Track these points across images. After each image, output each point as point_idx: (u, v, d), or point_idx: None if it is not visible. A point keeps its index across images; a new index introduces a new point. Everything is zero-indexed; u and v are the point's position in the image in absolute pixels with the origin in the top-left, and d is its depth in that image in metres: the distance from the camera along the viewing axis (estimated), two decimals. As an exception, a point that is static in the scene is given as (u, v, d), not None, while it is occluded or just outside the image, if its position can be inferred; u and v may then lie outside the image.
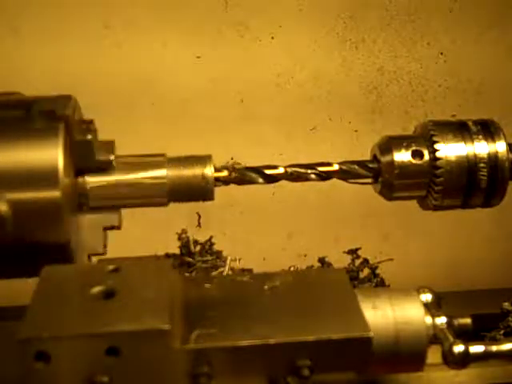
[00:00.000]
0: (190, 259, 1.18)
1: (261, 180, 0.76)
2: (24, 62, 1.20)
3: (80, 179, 0.71)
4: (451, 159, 0.76)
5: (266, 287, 0.65)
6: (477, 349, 0.62)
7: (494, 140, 0.77)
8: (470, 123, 0.79)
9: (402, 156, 0.76)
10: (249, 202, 1.30)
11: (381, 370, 0.65)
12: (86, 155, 0.69)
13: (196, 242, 1.21)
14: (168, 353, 0.55)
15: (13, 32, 1.19)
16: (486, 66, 1.35)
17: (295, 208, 1.34)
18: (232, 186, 0.76)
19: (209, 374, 0.57)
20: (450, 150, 0.76)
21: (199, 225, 1.24)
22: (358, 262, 1.28)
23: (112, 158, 0.71)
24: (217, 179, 0.74)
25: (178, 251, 1.20)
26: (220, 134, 1.28)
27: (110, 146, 0.72)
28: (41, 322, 0.55)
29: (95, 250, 0.73)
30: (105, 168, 0.71)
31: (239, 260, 1.17)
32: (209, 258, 1.18)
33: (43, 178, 0.64)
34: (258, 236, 1.34)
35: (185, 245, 1.20)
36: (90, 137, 0.69)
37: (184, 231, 1.21)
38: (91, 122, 0.71)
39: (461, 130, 0.78)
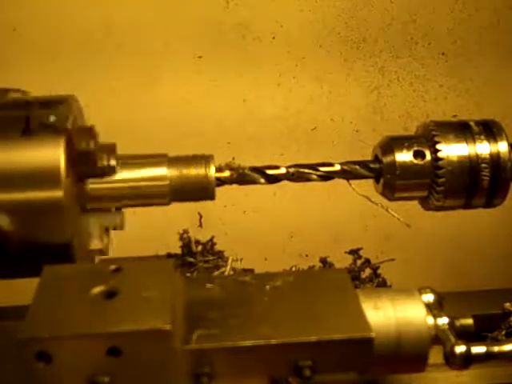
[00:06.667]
0: (192, 259, 1.18)
1: (262, 180, 0.76)
2: (24, 62, 1.19)
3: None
4: (453, 159, 0.76)
5: (267, 287, 0.65)
6: (478, 349, 0.62)
7: (495, 140, 0.77)
8: (471, 123, 0.79)
9: (404, 156, 0.76)
10: (250, 202, 1.30)
11: (382, 370, 0.65)
12: (88, 164, 0.69)
13: (197, 242, 1.21)
14: (169, 353, 0.55)
15: (13, 32, 1.19)
16: (487, 65, 1.35)
17: (296, 208, 1.34)
18: (233, 185, 0.76)
19: (210, 375, 0.57)
20: (452, 150, 0.76)
21: (200, 225, 1.24)
22: (359, 262, 1.28)
23: (114, 163, 0.71)
24: (218, 179, 0.74)
25: (179, 251, 1.20)
26: (221, 134, 1.28)
27: (111, 149, 0.72)
28: (42, 322, 0.55)
29: (98, 251, 0.73)
30: (107, 173, 0.71)
31: (241, 260, 1.17)
32: (210, 258, 1.18)
33: (45, 177, 0.64)
34: (260, 236, 1.34)
35: (186, 245, 1.20)
36: (91, 146, 0.68)
37: (185, 231, 1.21)
38: (91, 128, 0.70)
39: (462, 130, 0.78)
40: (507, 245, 1.39)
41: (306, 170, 0.77)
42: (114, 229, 0.73)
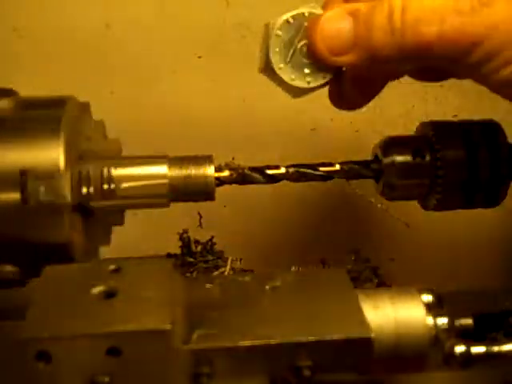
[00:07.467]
0: (191, 259, 1.18)
1: (262, 180, 0.76)
2: (24, 62, 1.19)
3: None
4: (452, 159, 0.76)
5: (267, 287, 0.65)
6: (478, 349, 0.62)
7: (495, 140, 0.77)
8: (471, 123, 0.79)
9: (404, 156, 0.76)
10: (250, 201, 1.29)
11: (381, 370, 0.65)
12: (96, 136, 0.70)
13: (197, 242, 1.20)
14: (169, 353, 0.55)
15: (13, 32, 1.19)
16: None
17: (296, 208, 1.34)
18: (233, 185, 0.76)
19: (210, 374, 0.57)
20: (452, 150, 0.76)
21: (200, 225, 1.24)
22: (359, 262, 1.28)
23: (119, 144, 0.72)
24: (218, 179, 0.74)
25: (179, 251, 1.20)
26: (221, 134, 1.28)
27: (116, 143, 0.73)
28: (41, 322, 0.55)
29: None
30: (113, 152, 0.72)
31: (240, 260, 1.16)
32: (210, 258, 1.18)
33: (44, 177, 0.64)
34: (259, 236, 1.34)
35: (186, 245, 1.19)
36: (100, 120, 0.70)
37: (185, 231, 1.21)
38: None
39: (462, 130, 0.78)
40: (507, 244, 1.38)
41: (306, 170, 0.77)
42: (115, 224, 0.73)
